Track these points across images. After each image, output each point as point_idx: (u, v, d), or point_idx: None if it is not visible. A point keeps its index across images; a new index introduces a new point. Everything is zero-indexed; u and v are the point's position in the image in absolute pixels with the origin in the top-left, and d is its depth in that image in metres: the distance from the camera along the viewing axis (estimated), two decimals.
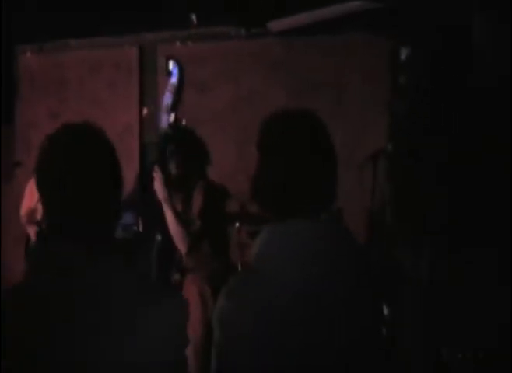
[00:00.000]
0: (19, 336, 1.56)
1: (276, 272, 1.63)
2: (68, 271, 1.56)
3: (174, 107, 2.70)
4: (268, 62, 4.96)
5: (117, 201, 1.63)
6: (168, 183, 2.96)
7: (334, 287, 1.65)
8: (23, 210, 4.62)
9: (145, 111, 5.17)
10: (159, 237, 3.00)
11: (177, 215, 2.95)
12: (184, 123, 2.80)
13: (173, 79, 2.70)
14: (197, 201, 3.07)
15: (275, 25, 4.69)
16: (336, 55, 4.77)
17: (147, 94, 5.21)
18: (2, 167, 5.32)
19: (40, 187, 1.61)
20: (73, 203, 1.57)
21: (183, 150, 3.00)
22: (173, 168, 3.03)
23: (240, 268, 4.12)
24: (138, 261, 3.11)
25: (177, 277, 3.06)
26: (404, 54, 4.02)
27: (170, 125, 2.73)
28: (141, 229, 4.17)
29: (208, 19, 4.85)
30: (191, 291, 3.04)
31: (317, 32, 4.69)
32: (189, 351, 2.84)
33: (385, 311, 1.86)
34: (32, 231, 4.53)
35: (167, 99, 2.71)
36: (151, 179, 2.96)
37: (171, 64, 2.71)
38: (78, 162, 1.57)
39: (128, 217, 4.55)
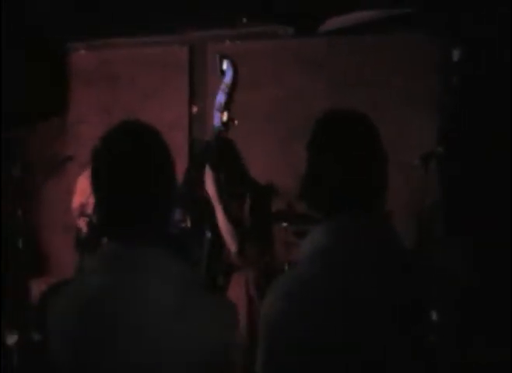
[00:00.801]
0: (67, 329, 1.59)
1: (329, 272, 1.65)
2: (119, 266, 1.60)
3: (227, 106, 2.73)
4: (314, 61, 4.99)
5: (169, 198, 1.66)
6: (219, 181, 2.99)
7: (385, 289, 1.66)
8: (75, 204, 4.71)
9: (194, 109, 5.22)
10: (209, 234, 3.01)
11: (228, 214, 2.97)
12: (236, 122, 2.82)
13: (227, 78, 2.72)
14: (245, 200, 3.10)
15: (323, 26, 4.70)
16: (381, 55, 4.78)
17: (197, 92, 5.27)
18: (54, 160, 5.43)
19: (95, 184, 1.64)
20: (126, 200, 1.60)
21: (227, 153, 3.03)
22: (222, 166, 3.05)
23: (287, 268, 4.14)
24: (188, 257, 3.17)
25: (223, 276, 3.07)
26: (456, 55, 3.99)
27: (223, 124, 2.75)
28: (189, 226, 4.20)
29: (256, 18, 4.88)
30: (238, 291, 3.06)
31: (362, 31, 4.69)
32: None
33: (433, 316, 1.85)
34: (83, 224, 4.62)
35: (220, 97, 2.73)
36: (199, 177, 2.98)
37: (225, 64, 2.73)
38: (133, 159, 1.60)
39: (176, 214, 4.60)
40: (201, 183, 3.05)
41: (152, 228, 1.63)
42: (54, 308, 1.64)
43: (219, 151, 2.85)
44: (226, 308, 1.67)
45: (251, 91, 5.09)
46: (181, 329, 1.55)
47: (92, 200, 4.30)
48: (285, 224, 4.47)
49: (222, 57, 2.74)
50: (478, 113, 3.87)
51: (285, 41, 5.05)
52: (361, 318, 1.62)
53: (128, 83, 5.51)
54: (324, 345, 1.60)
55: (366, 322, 1.62)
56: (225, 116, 2.72)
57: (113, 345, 1.55)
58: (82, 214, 4.61)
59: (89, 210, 4.57)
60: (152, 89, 5.41)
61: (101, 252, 1.66)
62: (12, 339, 4.01)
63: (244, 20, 4.67)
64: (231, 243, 2.98)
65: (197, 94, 5.27)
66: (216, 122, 2.74)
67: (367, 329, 1.62)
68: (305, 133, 1.77)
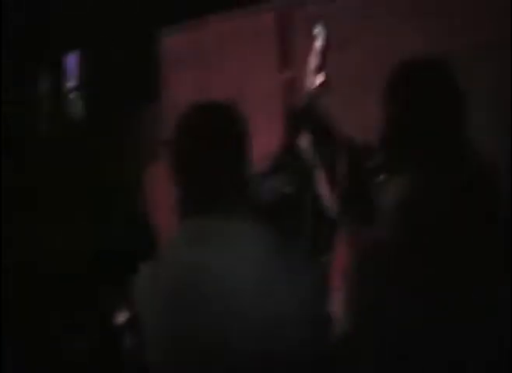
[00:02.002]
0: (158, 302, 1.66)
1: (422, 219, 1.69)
2: (202, 239, 1.66)
3: (321, 69, 2.77)
4: (407, 6, 4.87)
5: (246, 171, 1.75)
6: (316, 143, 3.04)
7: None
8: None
9: (286, 76, 5.26)
10: (310, 197, 3.08)
11: (329, 175, 3.02)
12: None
13: (319, 41, 2.76)
14: (343, 158, 3.13)
15: None
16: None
17: (287, 59, 5.30)
18: (151, 146, 5.59)
19: (174, 164, 1.77)
20: (205, 177, 1.69)
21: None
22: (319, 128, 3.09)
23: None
24: (287, 221, 3.24)
25: (328, 232, 3.14)
26: None
27: (318, 86, 2.80)
28: (289, 191, 4.27)
29: None
30: (342, 244, 3.10)
31: None
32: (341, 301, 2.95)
33: None
34: None
35: (314, 61, 2.78)
36: (295, 142, 3.04)
37: (316, 27, 2.77)
38: (207, 137, 1.71)
39: (275, 180, 4.68)
40: (299, 148, 3.11)
41: (233, 202, 1.70)
42: (143, 285, 1.74)
43: (315, 114, 2.90)
44: (311, 275, 1.77)
45: (343, 49, 5.06)
46: (269, 300, 1.61)
47: None
48: (382, 177, 4.45)
49: (313, 20, 2.78)
50: None
51: None
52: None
53: (218, 60, 5.60)
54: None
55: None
56: (319, 79, 2.77)
57: (206, 317, 1.61)
58: None
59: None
60: (243, 62, 5.48)
61: (184, 228, 1.74)
62: (122, 317, 4.13)
63: None
64: (333, 206, 3.04)
65: (288, 61, 5.29)
66: (311, 85, 2.79)
67: None
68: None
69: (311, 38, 2.82)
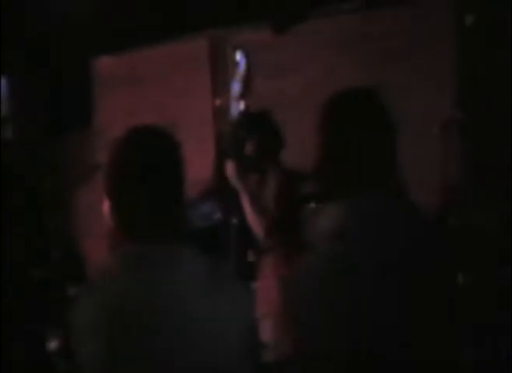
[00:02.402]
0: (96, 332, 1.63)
1: (354, 249, 1.69)
2: (145, 263, 1.67)
3: (243, 95, 2.79)
4: (338, 41, 4.96)
5: (183, 196, 1.73)
6: (244, 168, 3.05)
7: (411, 257, 1.71)
8: (106, 208, 4.80)
9: (217, 101, 5.29)
10: (236, 221, 3.09)
11: (253, 202, 3.03)
12: (254, 110, 2.87)
13: (241, 68, 2.79)
14: (272, 185, 3.15)
15: None
16: (403, 24, 4.74)
17: (219, 84, 5.32)
18: (83, 169, 5.53)
19: (109, 188, 1.78)
20: (144, 201, 1.68)
21: (256, 135, 3.07)
22: (248, 153, 3.11)
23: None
24: (219, 248, 3.24)
25: (254, 258, 3.15)
26: (469, 20, 4.00)
27: (241, 113, 2.81)
28: (221, 216, 4.28)
29: None
30: (268, 270, 3.12)
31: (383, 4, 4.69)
32: (270, 327, 2.95)
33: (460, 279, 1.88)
34: None
35: (236, 87, 2.80)
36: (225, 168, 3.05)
37: (238, 54, 2.80)
38: (145, 162, 1.69)
39: (207, 206, 4.68)
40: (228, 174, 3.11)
41: (173, 228, 1.70)
42: (84, 311, 1.68)
43: (240, 140, 2.92)
44: (247, 293, 1.84)
45: (279, 77, 5.13)
46: (215, 315, 1.64)
47: None
48: (313, 205, 4.49)
49: (235, 47, 2.80)
50: (495, 77, 3.86)
51: (310, 23, 5.03)
52: (389, 294, 1.68)
53: (152, 83, 5.60)
54: (358, 318, 1.66)
55: (394, 296, 1.68)
56: (242, 105, 2.79)
57: (154, 340, 1.60)
58: None
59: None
60: (176, 86, 5.49)
61: (126, 253, 1.72)
62: (53, 344, 4.06)
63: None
64: (259, 230, 3.05)
65: (220, 86, 5.32)
66: (234, 112, 2.81)
67: (397, 302, 1.68)
68: None
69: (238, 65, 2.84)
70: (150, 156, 1.70)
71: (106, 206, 4.93)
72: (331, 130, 1.80)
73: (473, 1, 4.16)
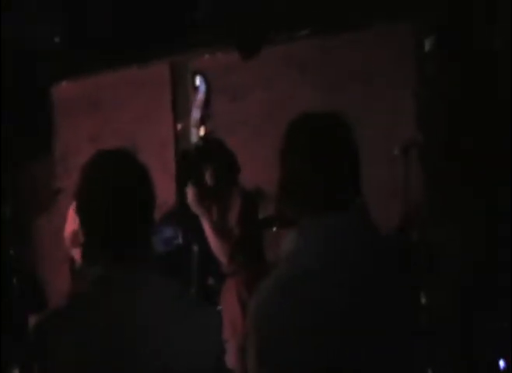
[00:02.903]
0: (60, 356, 1.63)
1: (315, 271, 1.70)
2: (110, 288, 1.67)
3: (203, 121, 2.79)
4: (298, 64, 5.02)
5: (151, 220, 1.75)
6: (205, 194, 3.04)
7: (368, 277, 1.72)
8: (67, 232, 4.74)
9: (179, 126, 5.29)
10: (196, 247, 3.09)
11: (215, 228, 3.01)
12: (214, 135, 2.88)
13: (200, 94, 2.79)
14: (234, 209, 3.14)
15: None
16: (363, 49, 4.81)
17: (181, 109, 5.33)
18: (45, 195, 5.48)
19: (80, 211, 1.74)
20: (112, 225, 1.69)
21: (215, 161, 3.08)
22: (208, 179, 3.11)
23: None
24: (180, 272, 3.22)
25: (215, 282, 3.14)
26: (428, 44, 4.07)
27: (201, 139, 2.81)
28: (182, 241, 4.26)
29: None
30: (230, 295, 3.11)
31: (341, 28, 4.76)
32: (234, 350, 2.94)
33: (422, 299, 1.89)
34: (76, 254, 4.66)
35: (196, 113, 2.80)
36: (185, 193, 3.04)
37: (198, 79, 2.80)
38: (113, 186, 1.70)
39: (168, 231, 4.65)
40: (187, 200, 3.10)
41: (138, 252, 1.71)
42: (55, 337, 1.67)
43: (199, 166, 2.92)
44: (214, 316, 1.78)
45: (237, 101, 5.17)
46: (176, 339, 1.64)
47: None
48: (275, 229, 4.52)
49: (195, 72, 2.80)
50: (454, 101, 3.93)
51: (267, 47, 5.09)
52: (350, 309, 1.68)
53: (112, 107, 5.58)
54: (318, 337, 1.66)
55: (356, 312, 1.69)
56: (201, 131, 2.79)
57: (111, 358, 1.61)
58: (75, 242, 4.66)
59: (82, 238, 4.61)
60: (137, 110, 5.48)
61: (94, 277, 1.71)
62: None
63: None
64: (221, 256, 3.04)
65: (181, 111, 5.32)
66: (194, 138, 2.81)
67: (357, 318, 1.69)
68: None
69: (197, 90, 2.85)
70: (121, 179, 1.71)
71: (67, 232, 4.86)
72: (294, 154, 1.80)
73: (432, 26, 4.23)
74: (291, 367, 1.66)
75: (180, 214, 4.39)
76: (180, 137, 5.26)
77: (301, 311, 1.67)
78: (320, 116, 1.84)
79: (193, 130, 2.78)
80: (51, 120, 5.60)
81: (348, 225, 1.75)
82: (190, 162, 2.93)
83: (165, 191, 5.06)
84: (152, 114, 5.44)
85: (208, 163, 3.05)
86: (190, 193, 2.97)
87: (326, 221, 1.74)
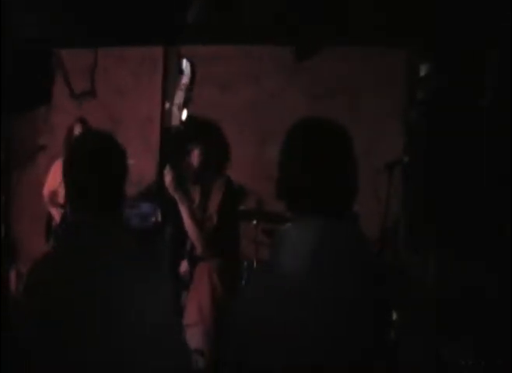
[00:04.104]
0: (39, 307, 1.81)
1: (293, 269, 1.74)
2: (86, 250, 1.85)
3: (185, 105, 2.76)
4: (289, 66, 5.08)
5: (123, 193, 1.96)
6: (186, 177, 3.01)
7: (345, 285, 1.75)
8: (46, 190, 4.80)
9: (167, 105, 5.27)
10: (170, 229, 3.07)
11: (192, 213, 2.97)
12: (200, 118, 2.85)
13: (185, 78, 2.76)
14: (216, 196, 3.08)
15: None
16: (353, 64, 4.93)
17: (170, 90, 5.31)
18: (28, 150, 5.48)
19: (66, 181, 1.94)
20: (93, 193, 1.90)
21: (203, 143, 3.02)
22: (193, 160, 3.06)
23: (255, 265, 4.26)
24: (151, 250, 3.21)
25: (187, 265, 3.14)
26: (424, 70, 4.09)
27: (182, 122, 2.78)
28: (159, 219, 4.24)
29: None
30: (202, 278, 3.10)
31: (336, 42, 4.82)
32: (200, 334, 2.95)
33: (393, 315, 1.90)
34: (56, 214, 4.70)
35: (179, 96, 2.77)
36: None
37: (184, 63, 2.76)
38: (96, 161, 1.91)
39: (146, 207, 4.64)
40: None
41: (112, 218, 1.93)
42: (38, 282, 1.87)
43: (179, 149, 2.89)
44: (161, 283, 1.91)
45: (224, 91, 5.19)
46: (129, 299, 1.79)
47: (62, 190, 4.29)
48: (254, 222, 4.54)
49: (182, 56, 2.77)
50: (442, 125, 3.95)
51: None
52: (320, 314, 1.72)
53: (102, 76, 5.56)
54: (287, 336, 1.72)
55: (323, 317, 1.73)
56: (183, 115, 2.76)
57: (79, 316, 1.80)
58: (53, 201, 4.71)
59: (60, 198, 4.64)
60: (127, 85, 5.47)
61: (70, 237, 1.93)
62: None
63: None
64: (196, 241, 3.01)
65: (170, 92, 5.32)
66: (175, 121, 2.78)
67: (323, 324, 1.73)
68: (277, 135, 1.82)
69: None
70: (99, 156, 1.93)
71: (46, 190, 4.84)
72: (293, 156, 1.84)
73: (429, 53, 4.24)
74: None
75: (159, 193, 4.36)
76: (167, 115, 5.25)
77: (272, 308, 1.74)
78: (321, 123, 1.87)
79: (175, 113, 2.74)
80: (50, 78, 5.57)
81: (335, 232, 1.79)
82: (175, 141, 2.87)
83: (147, 166, 5.08)
84: (139, 89, 5.45)
85: (195, 144, 3.00)
86: (167, 176, 2.92)
87: (316, 222, 1.78)
